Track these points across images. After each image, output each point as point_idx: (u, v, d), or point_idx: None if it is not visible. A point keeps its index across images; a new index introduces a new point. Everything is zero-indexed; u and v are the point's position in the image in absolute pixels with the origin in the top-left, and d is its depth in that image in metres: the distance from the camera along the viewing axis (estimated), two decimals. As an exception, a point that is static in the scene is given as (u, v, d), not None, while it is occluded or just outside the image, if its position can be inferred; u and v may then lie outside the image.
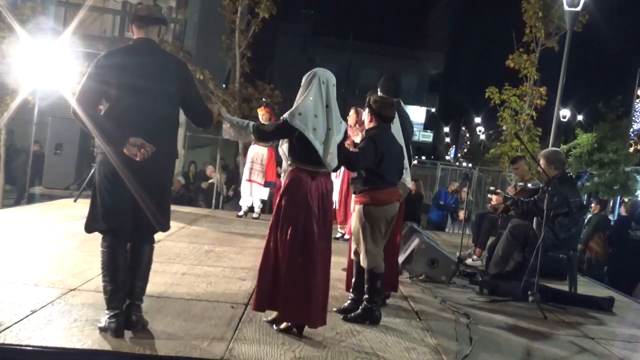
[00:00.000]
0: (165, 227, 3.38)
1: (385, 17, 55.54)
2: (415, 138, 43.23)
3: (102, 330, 3.20)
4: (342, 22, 44.82)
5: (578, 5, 9.34)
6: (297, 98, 3.57)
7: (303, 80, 3.62)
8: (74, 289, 3.96)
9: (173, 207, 4.16)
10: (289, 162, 3.62)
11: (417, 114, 43.83)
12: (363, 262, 3.93)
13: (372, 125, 4.06)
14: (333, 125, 3.53)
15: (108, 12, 14.94)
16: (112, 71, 3.14)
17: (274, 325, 3.58)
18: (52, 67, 9.04)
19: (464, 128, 52.24)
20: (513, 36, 11.93)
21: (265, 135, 3.82)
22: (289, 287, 3.41)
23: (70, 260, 4.80)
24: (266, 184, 8.32)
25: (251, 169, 8.23)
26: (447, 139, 53.64)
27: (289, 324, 3.53)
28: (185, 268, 4.96)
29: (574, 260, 5.45)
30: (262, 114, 8.04)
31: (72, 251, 5.14)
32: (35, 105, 9.62)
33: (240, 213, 8.55)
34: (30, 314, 3.37)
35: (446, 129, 52.39)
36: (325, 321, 3.55)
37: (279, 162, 10.21)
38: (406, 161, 4.28)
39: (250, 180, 8.24)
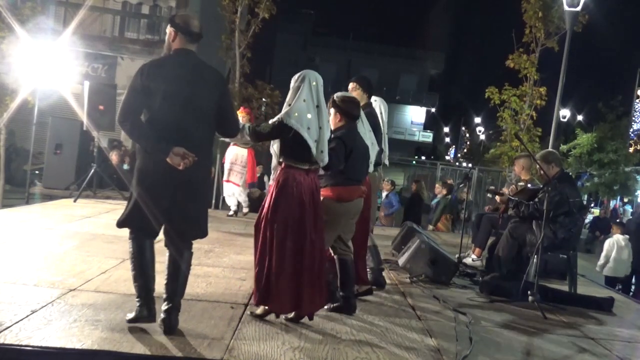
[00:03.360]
0: (203, 234, 3.45)
1: (385, 17, 55.67)
2: (415, 138, 43.31)
3: (132, 321, 3.28)
4: (342, 22, 44.90)
5: (578, 5, 9.35)
6: (287, 99, 3.71)
7: (292, 83, 3.73)
8: (74, 289, 3.96)
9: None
10: (281, 160, 3.71)
11: (417, 114, 43.85)
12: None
13: (340, 124, 4.10)
14: (324, 123, 3.70)
15: (108, 12, 14.96)
16: (156, 81, 3.19)
17: (250, 312, 3.77)
18: (52, 67, 9.06)
19: (463, 128, 52.22)
20: (513, 36, 11.92)
21: (262, 136, 3.89)
22: (282, 283, 3.55)
23: (70, 260, 4.80)
24: (249, 185, 8.34)
25: (230, 169, 8.23)
26: (447, 139, 53.64)
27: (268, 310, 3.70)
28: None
29: (573, 260, 5.45)
30: (242, 116, 7.88)
31: (71, 251, 5.14)
32: (35, 106, 9.61)
33: (230, 213, 8.52)
34: (30, 314, 3.37)
35: (446, 129, 52.39)
36: (315, 307, 3.69)
37: (258, 163, 10.27)
38: (374, 155, 4.45)
39: (228, 181, 8.25)
